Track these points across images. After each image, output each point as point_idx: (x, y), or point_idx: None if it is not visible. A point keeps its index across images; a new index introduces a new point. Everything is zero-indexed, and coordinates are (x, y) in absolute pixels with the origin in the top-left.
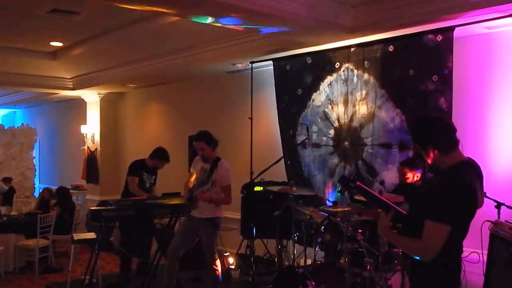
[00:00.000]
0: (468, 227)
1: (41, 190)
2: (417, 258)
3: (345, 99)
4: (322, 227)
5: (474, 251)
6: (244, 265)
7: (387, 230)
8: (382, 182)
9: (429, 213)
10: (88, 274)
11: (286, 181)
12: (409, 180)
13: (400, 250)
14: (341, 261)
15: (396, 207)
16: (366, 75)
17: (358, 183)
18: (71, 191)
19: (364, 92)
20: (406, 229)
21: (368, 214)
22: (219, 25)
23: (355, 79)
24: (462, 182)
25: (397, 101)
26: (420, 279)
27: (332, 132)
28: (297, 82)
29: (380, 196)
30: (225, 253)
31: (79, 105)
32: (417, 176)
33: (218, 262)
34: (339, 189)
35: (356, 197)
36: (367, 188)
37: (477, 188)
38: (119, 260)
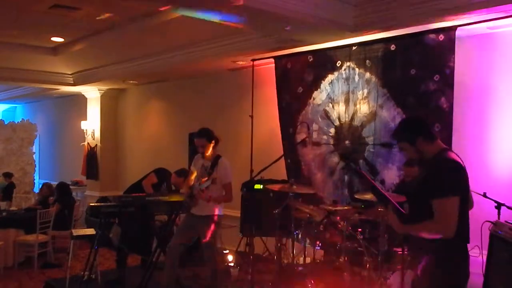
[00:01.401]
0: (467, 214)
1: (40, 186)
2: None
3: (346, 98)
4: (322, 226)
5: (475, 246)
6: (243, 263)
7: (400, 225)
8: (382, 182)
9: (433, 194)
10: (87, 270)
11: (286, 179)
12: (410, 178)
13: (400, 250)
14: (340, 260)
15: (391, 199)
16: (367, 74)
17: (360, 169)
18: (70, 187)
19: (365, 91)
20: (409, 220)
21: (368, 214)
22: (221, 22)
23: (356, 78)
24: (452, 159)
25: (398, 100)
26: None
27: (332, 131)
28: (298, 80)
29: (380, 187)
30: (225, 250)
31: (80, 101)
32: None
33: (217, 259)
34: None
35: (357, 196)
36: (368, 177)
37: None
38: (116, 256)
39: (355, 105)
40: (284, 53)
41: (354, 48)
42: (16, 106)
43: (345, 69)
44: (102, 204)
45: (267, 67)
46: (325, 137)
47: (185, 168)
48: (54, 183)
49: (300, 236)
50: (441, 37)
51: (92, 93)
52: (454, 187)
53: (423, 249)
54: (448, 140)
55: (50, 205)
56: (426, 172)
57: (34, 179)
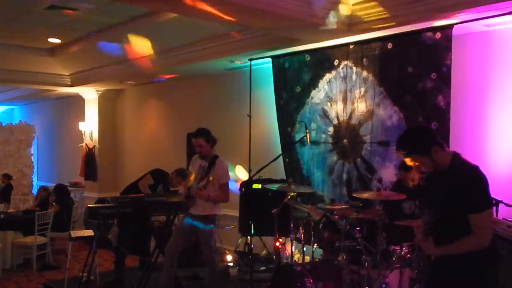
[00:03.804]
0: None
1: (38, 188)
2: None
3: (344, 97)
4: (320, 225)
5: None
6: (242, 263)
7: (436, 249)
8: (380, 180)
9: (470, 208)
10: (85, 271)
11: (285, 178)
12: (414, 183)
13: (398, 248)
14: (339, 258)
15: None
16: (364, 73)
17: None
18: (69, 188)
19: (362, 89)
20: (441, 232)
21: (366, 212)
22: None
23: (354, 76)
24: (476, 167)
25: (396, 98)
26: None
27: (331, 129)
28: (296, 80)
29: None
30: (223, 250)
31: (77, 102)
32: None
33: (216, 259)
34: None
35: (355, 195)
36: None
37: None
38: (114, 257)
39: (352, 103)
40: (281, 53)
41: (351, 47)
42: (13, 108)
43: (342, 68)
44: (101, 205)
45: (264, 66)
46: (323, 135)
47: (184, 168)
48: (52, 185)
49: (298, 235)
50: (438, 35)
51: (90, 94)
52: (490, 198)
53: (456, 267)
54: (445, 138)
55: (50, 204)
56: (451, 185)
57: (32, 181)
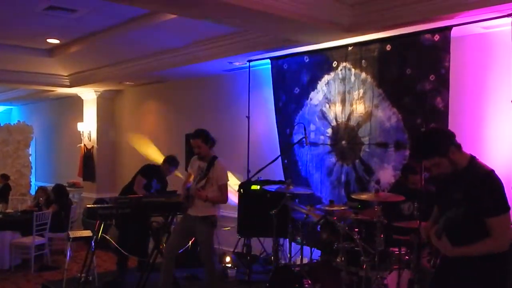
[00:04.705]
0: None
1: (36, 188)
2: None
3: (343, 98)
4: (319, 226)
5: None
6: (240, 264)
7: (452, 249)
8: (378, 182)
9: (485, 211)
10: (84, 272)
11: (283, 180)
12: (415, 186)
13: (396, 249)
14: (337, 260)
15: None
16: (363, 74)
17: None
18: (67, 188)
19: (361, 91)
20: (454, 232)
21: (365, 214)
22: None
23: (352, 78)
24: (491, 171)
25: (394, 100)
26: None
27: (329, 131)
28: (295, 81)
29: None
30: (222, 251)
31: (76, 103)
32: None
33: (214, 260)
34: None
35: (353, 196)
36: None
37: None
38: (116, 258)
39: (351, 105)
40: (280, 54)
41: (350, 48)
42: (12, 108)
43: (341, 70)
44: (100, 205)
45: (263, 68)
46: (322, 137)
47: (173, 155)
48: (51, 185)
49: (297, 236)
50: (437, 37)
51: (89, 95)
52: (506, 202)
53: (472, 269)
54: None
55: (42, 205)
56: (467, 186)
57: (30, 181)
